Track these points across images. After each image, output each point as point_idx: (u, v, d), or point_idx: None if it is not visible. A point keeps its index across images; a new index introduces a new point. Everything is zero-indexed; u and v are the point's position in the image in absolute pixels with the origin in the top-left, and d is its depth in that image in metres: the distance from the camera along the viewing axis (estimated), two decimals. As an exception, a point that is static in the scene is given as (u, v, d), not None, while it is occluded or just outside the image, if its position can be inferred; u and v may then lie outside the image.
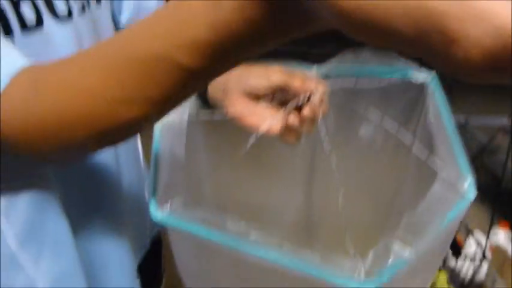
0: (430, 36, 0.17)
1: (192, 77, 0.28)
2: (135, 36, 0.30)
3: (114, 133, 0.34)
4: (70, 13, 0.49)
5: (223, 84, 0.55)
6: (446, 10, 0.17)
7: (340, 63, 0.56)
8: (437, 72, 0.54)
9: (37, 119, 0.34)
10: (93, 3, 0.54)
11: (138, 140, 0.67)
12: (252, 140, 0.45)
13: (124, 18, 0.65)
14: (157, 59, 0.27)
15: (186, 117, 0.53)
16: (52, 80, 0.34)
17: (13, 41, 0.43)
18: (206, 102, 0.58)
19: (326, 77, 0.56)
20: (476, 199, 0.39)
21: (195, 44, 0.26)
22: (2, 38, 0.39)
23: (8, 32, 0.43)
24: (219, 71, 0.29)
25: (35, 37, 0.45)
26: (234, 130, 0.54)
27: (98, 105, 0.31)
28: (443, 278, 1.21)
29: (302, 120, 0.50)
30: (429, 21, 0.17)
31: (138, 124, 0.33)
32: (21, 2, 0.44)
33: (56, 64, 0.35)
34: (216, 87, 0.56)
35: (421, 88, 0.55)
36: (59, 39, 0.48)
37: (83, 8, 0.52)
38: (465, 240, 1.36)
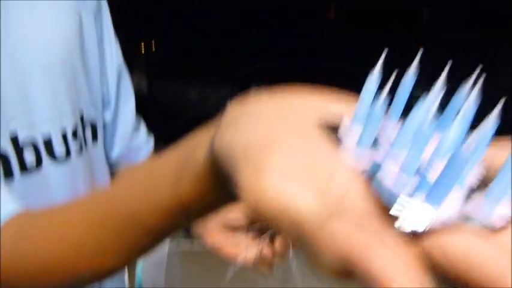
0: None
1: (156, 234, 0.33)
2: (113, 197, 0.34)
3: (89, 278, 0.37)
4: (68, 154, 0.54)
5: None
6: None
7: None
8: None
9: (22, 263, 0.37)
10: (90, 143, 0.60)
11: (125, 270, 0.69)
12: (230, 274, 0.48)
13: (115, 154, 0.70)
14: (129, 220, 0.32)
15: (166, 248, 0.56)
16: (38, 229, 0.37)
17: (12, 182, 0.47)
18: (188, 232, 0.62)
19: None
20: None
21: (159, 210, 0.30)
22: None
23: (9, 175, 0.47)
24: (176, 229, 0.34)
25: (32, 178, 0.50)
26: (213, 260, 0.57)
27: (77, 256, 0.35)
28: None
29: (274, 252, 0.54)
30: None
31: (111, 272, 0.37)
32: (23, 147, 0.49)
33: (44, 213, 0.39)
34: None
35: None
36: (56, 179, 0.52)
37: (81, 148, 0.57)
38: None
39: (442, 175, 0.17)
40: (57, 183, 0.52)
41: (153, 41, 4.03)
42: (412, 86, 0.22)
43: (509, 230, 0.17)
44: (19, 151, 0.50)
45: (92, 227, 0.34)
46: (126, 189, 0.34)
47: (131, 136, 0.72)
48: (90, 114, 0.61)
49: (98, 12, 0.67)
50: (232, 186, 0.21)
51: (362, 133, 0.20)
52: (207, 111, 3.33)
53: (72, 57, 0.60)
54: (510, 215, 0.18)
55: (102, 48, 0.67)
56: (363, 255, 0.15)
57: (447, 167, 0.17)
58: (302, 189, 0.18)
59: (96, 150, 0.61)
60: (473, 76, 0.21)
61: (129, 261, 0.36)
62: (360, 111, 0.21)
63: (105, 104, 0.67)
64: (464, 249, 0.16)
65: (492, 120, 0.18)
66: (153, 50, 4.12)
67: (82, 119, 0.60)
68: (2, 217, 0.39)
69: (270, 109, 0.23)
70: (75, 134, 0.57)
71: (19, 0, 0.54)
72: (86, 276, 0.36)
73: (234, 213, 0.58)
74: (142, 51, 3.99)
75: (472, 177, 0.20)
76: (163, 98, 3.52)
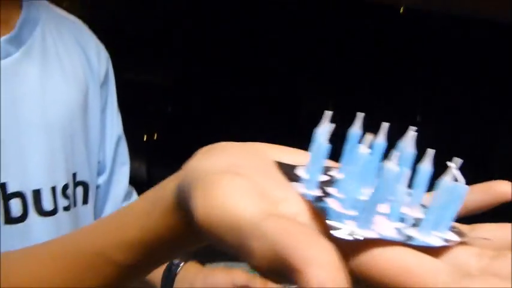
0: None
1: (124, 271, 0.31)
2: (86, 232, 0.33)
3: None
4: (55, 209, 0.57)
5: (190, 283, 0.63)
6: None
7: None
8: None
9: None
10: (80, 203, 0.63)
11: None
12: None
13: (105, 215, 0.71)
14: (97, 255, 0.30)
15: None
16: (15, 268, 0.37)
17: None
18: None
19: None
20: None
21: (127, 244, 0.29)
22: None
23: None
24: (146, 267, 0.32)
25: (17, 228, 0.53)
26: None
27: None
28: None
29: None
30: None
31: None
32: (11, 199, 0.53)
33: (21, 252, 0.38)
34: (183, 285, 0.64)
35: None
36: (40, 232, 0.55)
37: (68, 207, 0.59)
38: None
39: (369, 200, 0.19)
40: (41, 236, 0.53)
41: (155, 132, 4.22)
42: (358, 138, 0.24)
43: (451, 249, 0.19)
44: (6, 200, 0.52)
45: (63, 265, 0.32)
46: (97, 227, 0.33)
47: (123, 200, 0.75)
48: (83, 175, 0.63)
49: (105, 82, 0.72)
50: (190, 213, 0.21)
51: (310, 165, 0.23)
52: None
53: (73, 121, 0.63)
54: (448, 238, 0.19)
55: (104, 116, 0.71)
56: (292, 250, 0.15)
57: (373, 193, 0.18)
58: (248, 203, 0.18)
59: (86, 210, 0.64)
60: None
61: None
62: (313, 153, 0.23)
63: (100, 168, 0.70)
64: (395, 259, 0.17)
65: (409, 143, 0.22)
66: (155, 138, 4.29)
67: (74, 178, 0.62)
68: None
69: (232, 147, 0.25)
70: (64, 191, 0.59)
71: (31, 58, 0.59)
72: None
73: (222, 281, 0.62)
74: (144, 140, 4.16)
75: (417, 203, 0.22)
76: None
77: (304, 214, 0.19)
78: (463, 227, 0.22)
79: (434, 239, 0.19)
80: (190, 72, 5.42)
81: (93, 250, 0.30)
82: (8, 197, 0.54)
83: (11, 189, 0.54)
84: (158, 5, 4.09)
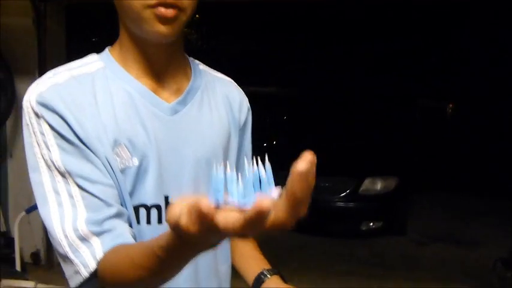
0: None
1: (164, 261, 0.53)
2: (154, 238, 0.56)
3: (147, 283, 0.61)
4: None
5: None
6: None
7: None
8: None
9: (109, 278, 0.65)
10: None
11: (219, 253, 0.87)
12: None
13: None
14: (153, 250, 0.54)
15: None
16: (117, 263, 0.63)
17: (150, 226, 0.74)
18: None
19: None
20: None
21: (160, 246, 0.52)
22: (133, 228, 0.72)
23: (146, 222, 0.74)
24: (175, 260, 0.54)
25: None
26: None
27: (135, 281, 0.60)
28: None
29: None
30: None
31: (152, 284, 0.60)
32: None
33: (125, 252, 0.63)
34: None
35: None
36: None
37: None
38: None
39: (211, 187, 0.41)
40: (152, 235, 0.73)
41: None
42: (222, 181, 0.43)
43: (254, 208, 0.37)
44: (167, 208, 0.75)
45: (140, 258, 0.57)
46: (157, 237, 0.55)
47: None
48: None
49: (243, 128, 0.90)
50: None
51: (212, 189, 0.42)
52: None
53: (216, 156, 0.81)
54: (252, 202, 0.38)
55: (240, 154, 0.89)
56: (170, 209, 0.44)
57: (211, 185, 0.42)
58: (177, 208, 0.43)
59: None
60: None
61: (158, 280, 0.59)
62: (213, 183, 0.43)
63: None
64: (223, 217, 0.39)
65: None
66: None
67: None
68: (116, 242, 0.65)
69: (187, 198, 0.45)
70: None
71: (191, 112, 0.79)
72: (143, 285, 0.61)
73: None
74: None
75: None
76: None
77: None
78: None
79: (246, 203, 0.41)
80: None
81: (151, 247, 0.55)
82: (167, 206, 0.75)
83: (171, 201, 0.76)
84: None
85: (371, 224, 4.15)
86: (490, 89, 6.88)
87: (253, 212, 0.38)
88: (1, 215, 3.00)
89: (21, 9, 3.21)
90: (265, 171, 0.43)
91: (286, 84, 6.96)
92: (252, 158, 0.46)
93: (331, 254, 3.95)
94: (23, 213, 2.59)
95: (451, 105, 8.01)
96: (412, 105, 5.66)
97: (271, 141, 5.17)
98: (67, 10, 3.44)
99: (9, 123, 3.24)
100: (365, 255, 3.94)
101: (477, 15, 4.93)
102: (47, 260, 3.38)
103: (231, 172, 0.43)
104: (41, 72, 3.27)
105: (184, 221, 0.42)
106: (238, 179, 0.43)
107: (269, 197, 0.41)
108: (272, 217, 0.41)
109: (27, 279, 1.77)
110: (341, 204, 4.11)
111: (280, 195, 0.41)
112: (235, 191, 0.42)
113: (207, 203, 0.40)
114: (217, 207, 0.41)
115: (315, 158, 0.42)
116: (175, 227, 0.44)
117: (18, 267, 2.54)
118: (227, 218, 0.40)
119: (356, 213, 4.18)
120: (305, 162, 0.41)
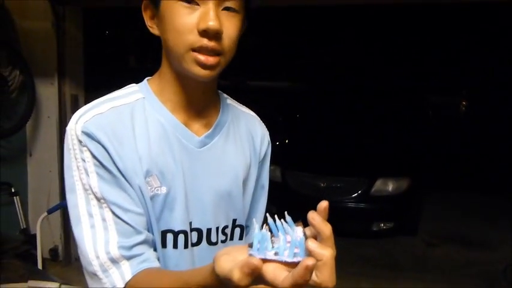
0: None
1: None
2: (189, 272, 0.65)
3: None
4: (217, 242, 0.84)
5: None
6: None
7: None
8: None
9: None
10: (237, 239, 0.90)
11: None
12: None
13: None
14: (186, 284, 0.63)
15: None
16: (155, 281, 0.70)
17: (176, 251, 0.79)
18: None
19: None
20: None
21: (196, 282, 0.60)
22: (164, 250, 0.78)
23: (181, 246, 0.80)
24: None
25: (191, 251, 0.82)
26: None
27: None
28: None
29: None
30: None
31: None
32: (193, 232, 0.81)
33: (156, 278, 0.70)
34: None
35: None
36: (205, 254, 0.82)
37: (225, 240, 0.86)
38: None
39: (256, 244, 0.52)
40: (206, 257, 0.81)
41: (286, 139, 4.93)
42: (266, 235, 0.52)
43: (299, 264, 0.48)
44: (190, 232, 0.81)
45: (171, 286, 0.66)
46: (192, 272, 0.64)
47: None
48: (240, 221, 0.89)
49: (262, 160, 0.95)
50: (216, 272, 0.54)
51: (256, 244, 0.52)
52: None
53: (236, 186, 0.87)
54: (296, 258, 0.50)
55: (257, 184, 0.95)
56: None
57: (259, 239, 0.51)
58: (226, 265, 0.53)
59: (240, 243, 0.90)
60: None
61: None
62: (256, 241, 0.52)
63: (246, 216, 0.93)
64: (275, 271, 0.51)
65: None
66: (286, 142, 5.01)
67: (234, 223, 0.87)
68: (144, 266, 0.72)
69: (230, 248, 0.56)
70: (223, 230, 0.85)
71: (217, 145, 0.84)
72: None
73: None
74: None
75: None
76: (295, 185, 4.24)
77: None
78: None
79: (291, 259, 0.51)
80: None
81: (186, 281, 0.63)
82: (191, 230, 0.81)
83: (193, 225, 0.82)
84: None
85: (382, 224, 4.17)
86: (504, 86, 6.80)
87: (302, 269, 0.48)
88: (22, 213, 3.10)
89: (41, 13, 3.28)
90: (287, 222, 0.53)
91: (298, 80, 6.97)
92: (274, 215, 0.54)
93: (342, 254, 3.96)
94: (45, 213, 2.68)
95: (464, 102, 7.94)
96: (425, 102, 5.62)
97: (284, 139, 5.20)
98: (84, 13, 3.50)
99: (29, 123, 3.33)
100: (375, 256, 3.98)
101: (491, 10, 4.87)
102: (65, 256, 3.48)
103: (265, 230, 0.52)
104: (60, 75, 3.36)
105: (237, 276, 0.51)
106: (279, 235, 0.52)
107: (311, 258, 0.49)
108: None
109: (52, 280, 1.85)
110: (352, 204, 4.13)
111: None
112: (282, 247, 0.51)
113: (258, 260, 0.50)
114: (264, 261, 0.51)
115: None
116: (225, 280, 0.53)
117: (40, 266, 2.64)
118: (275, 272, 0.51)
119: (367, 214, 4.20)
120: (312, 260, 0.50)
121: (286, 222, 0.54)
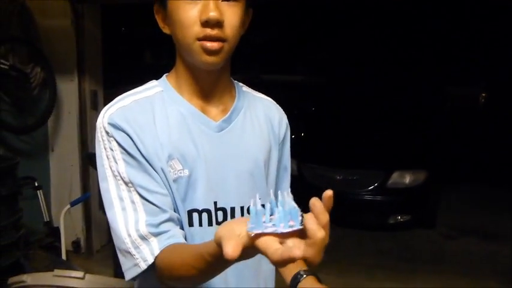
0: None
1: (210, 264, 0.66)
2: (202, 244, 0.69)
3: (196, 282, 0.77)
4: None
5: None
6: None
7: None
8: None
9: (166, 272, 0.77)
10: None
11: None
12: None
13: None
14: (202, 255, 0.67)
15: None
16: (172, 260, 0.75)
17: (202, 228, 0.85)
18: None
19: None
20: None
21: (208, 253, 0.64)
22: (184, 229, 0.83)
23: (204, 224, 0.85)
24: (220, 264, 0.66)
25: (216, 228, 0.80)
26: None
27: (187, 276, 0.72)
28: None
29: None
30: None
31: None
32: (218, 211, 0.86)
33: (178, 252, 0.75)
34: None
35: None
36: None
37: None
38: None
39: (253, 218, 0.55)
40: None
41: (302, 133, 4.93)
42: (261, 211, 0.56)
43: (294, 234, 0.54)
44: (216, 211, 0.86)
45: (191, 259, 0.70)
46: (205, 243, 0.68)
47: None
48: (264, 201, 0.80)
49: (282, 142, 0.99)
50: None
51: (252, 219, 0.55)
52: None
53: (258, 168, 0.91)
54: (291, 228, 0.53)
55: (280, 166, 0.99)
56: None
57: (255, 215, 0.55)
58: (222, 231, 0.57)
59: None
60: None
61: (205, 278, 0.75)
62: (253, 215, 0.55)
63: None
64: (267, 242, 0.53)
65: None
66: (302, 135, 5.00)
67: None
68: (170, 242, 0.77)
69: (231, 220, 0.64)
70: (248, 210, 0.83)
71: (235, 130, 0.88)
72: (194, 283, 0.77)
73: None
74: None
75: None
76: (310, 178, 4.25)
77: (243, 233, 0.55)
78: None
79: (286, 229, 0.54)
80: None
81: (201, 252, 0.68)
82: (216, 210, 0.87)
83: (218, 205, 0.87)
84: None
85: (399, 217, 4.15)
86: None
87: (287, 254, 0.51)
88: (45, 206, 3.19)
89: (60, 11, 3.35)
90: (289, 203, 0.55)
91: (312, 72, 6.94)
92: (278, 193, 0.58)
93: (359, 246, 4.00)
94: (68, 206, 2.77)
95: (483, 94, 7.80)
96: (443, 94, 5.54)
97: (299, 133, 5.20)
98: (103, 11, 3.57)
99: (50, 119, 3.41)
100: (392, 249, 3.96)
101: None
102: (87, 248, 3.58)
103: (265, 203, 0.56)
104: (80, 71, 3.43)
105: (227, 248, 0.54)
106: (277, 206, 0.55)
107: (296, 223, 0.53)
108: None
109: (76, 270, 1.92)
110: (369, 197, 4.12)
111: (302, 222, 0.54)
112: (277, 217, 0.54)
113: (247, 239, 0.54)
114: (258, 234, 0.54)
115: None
116: (219, 244, 0.57)
117: (63, 257, 2.72)
118: (267, 242, 0.54)
119: (384, 207, 4.19)
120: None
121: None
